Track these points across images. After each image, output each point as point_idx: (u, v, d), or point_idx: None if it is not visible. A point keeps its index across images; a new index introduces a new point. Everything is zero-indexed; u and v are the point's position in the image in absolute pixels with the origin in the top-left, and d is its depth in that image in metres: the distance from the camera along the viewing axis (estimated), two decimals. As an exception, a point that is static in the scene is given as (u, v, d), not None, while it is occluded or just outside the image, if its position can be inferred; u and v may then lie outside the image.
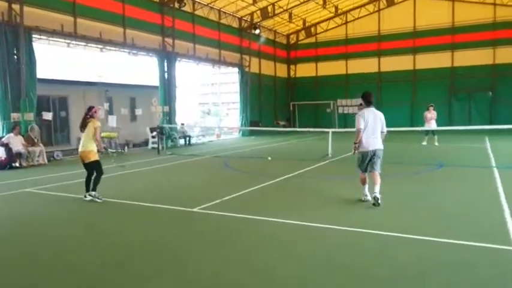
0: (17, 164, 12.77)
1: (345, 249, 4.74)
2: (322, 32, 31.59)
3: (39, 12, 14.77)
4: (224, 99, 61.98)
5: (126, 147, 17.96)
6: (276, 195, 7.96)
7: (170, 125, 19.82)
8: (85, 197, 7.61)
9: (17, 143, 12.96)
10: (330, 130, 14.26)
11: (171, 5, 20.32)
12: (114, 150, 11.58)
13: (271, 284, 3.84)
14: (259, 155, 15.05)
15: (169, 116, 20.60)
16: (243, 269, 4.25)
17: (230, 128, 30.44)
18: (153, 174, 11.38)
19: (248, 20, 26.49)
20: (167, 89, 20.50)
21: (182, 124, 21.44)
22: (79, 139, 17.46)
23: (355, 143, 6.71)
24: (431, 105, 17.30)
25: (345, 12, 29.98)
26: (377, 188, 6.57)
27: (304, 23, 30.22)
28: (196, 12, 22.73)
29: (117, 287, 3.89)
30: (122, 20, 18.15)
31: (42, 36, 15.12)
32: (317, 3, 26.69)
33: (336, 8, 28.59)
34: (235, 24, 26.22)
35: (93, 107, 7.75)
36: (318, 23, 31.01)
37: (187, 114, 35.64)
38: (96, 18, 16.93)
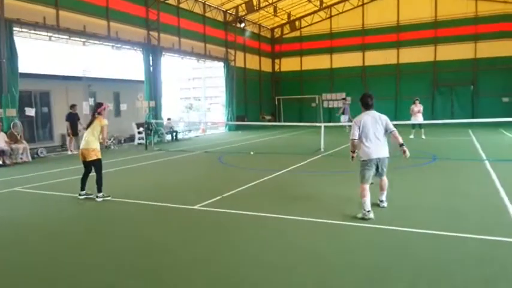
0: (0, 162, 12.28)
1: (362, 247, 4.67)
2: (307, 26, 31.54)
3: (20, 4, 14.19)
4: (206, 93, 61.47)
5: (114, 143, 17.60)
6: (278, 190, 7.83)
7: (156, 120, 19.46)
8: (79, 195, 7.36)
9: (0, 140, 12.45)
10: (322, 124, 14.22)
11: (156, -2, 19.90)
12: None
13: (292, 282, 3.73)
14: (250, 150, 14.91)
15: (155, 111, 20.23)
16: (258, 267, 4.12)
17: (214, 123, 30.17)
18: (146, 171, 11.11)
19: (233, 13, 26.19)
20: (153, 84, 20.12)
21: (169, 119, 21.10)
22: (62, 136, 17.44)
23: (351, 151, 6.15)
24: (417, 99, 17.49)
25: (330, 6, 29.98)
26: (384, 194, 6.15)
27: (289, 17, 30.09)
28: (181, 5, 22.32)
29: (132, 292, 3.71)
30: (105, 12, 17.66)
31: (23, 29, 14.54)
32: (302, -4, 26.62)
33: (321, 1, 28.53)
34: (220, 18, 25.90)
35: (102, 104, 7.42)
36: (303, 16, 30.93)
37: (170, 109, 35.22)
38: (80, 10, 16.40)
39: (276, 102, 32.56)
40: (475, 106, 26.69)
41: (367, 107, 5.96)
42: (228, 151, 14.93)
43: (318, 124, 14.58)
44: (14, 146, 12.87)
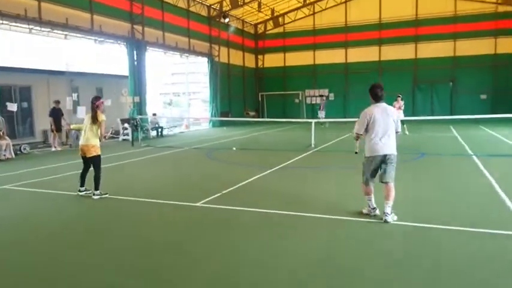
0: (-17, 159, 11.84)
1: (385, 240, 4.72)
2: (290, 22, 31.58)
3: (1, -5, 13.66)
4: (186, 89, 60.93)
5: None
6: (277, 187, 7.81)
7: (141, 116, 19.13)
8: (79, 191, 7.19)
9: (-18, 137, 12.01)
10: (313, 121, 14.30)
11: (140, -9, 19.50)
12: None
13: (331, 276, 3.74)
14: (238, 146, 14.85)
15: (140, 106, 19.88)
16: (258, 267, 4.11)
17: (196, 119, 29.92)
18: (138, 168, 10.92)
19: (217, 8, 25.96)
20: (137, 79, 19.75)
21: (154, 115, 20.80)
22: (44, 131, 16.93)
23: (356, 140, 5.74)
24: (399, 96, 17.82)
25: (313, 3, 30.11)
26: (389, 205, 5.28)
27: (272, 13, 30.06)
28: (165, -1, 22.00)
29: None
30: (89, 5, 17.19)
31: (4, 21, 14.01)
32: (286, -8, 26.64)
33: (304, -2, 28.66)
34: (204, 13, 25.63)
35: (99, 98, 7.26)
36: (286, 13, 30.96)
37: (150, 105, 34.61)
38: (62, 2, 15.90)
39: (260, 98, 32.55)
40: (453, 103, 27.37)
41: (376, 98, 5.43)
42: (217, 147, 14.82)
43: (309, 120, 14.62)
44: (-4, 142, 12.42)
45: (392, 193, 5.31)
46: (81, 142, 7.12)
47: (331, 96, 30.29)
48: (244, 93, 31.11)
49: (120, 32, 18.83)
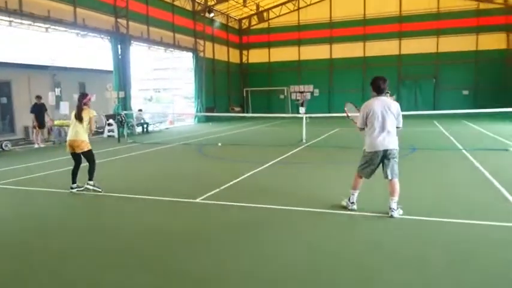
0: (-37, 157, 11.34)
1: (387, 235, 4.67)
2: (275, 17, 31.48)
3: (-21, -15, 13.10)
4: (168, 85, 60.29)
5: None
6: (274, 182, 7.71)
7: (126, 112, 18.72)
8: (71, 188, 6.93)
9: (-39, 133, 11.49)
10: (304, 116, 14.24)
11: (124, -17, 19.03)
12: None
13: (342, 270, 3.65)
14: (228, 141, 14.68)
15: (125, 102, 19.47)
16: (259, 266, 4.00)
17: (180, 115, 29.53)
18: (128, 164, 10.61)
19: (202, 2, 25.62)
20: (122, 74, 19.33)
21: (140, 110, 20.41)
22: (25, 128, 16.38)
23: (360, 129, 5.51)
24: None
25: (298, -2, 30.09)
26: (394, 201, 5.16)
27: (257, 8, 29.88)
28: (150, -7, 21.56)
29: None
30: (72, -3, 16.68)
31: (-17, 13, 13.46)
32: (271, -13, 26.48)
33: (289, -7, 28.58)
34: (188, 7, 25.25)
35: (87, 94, 7.19)
36: (271, 8, 30.84)
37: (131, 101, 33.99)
38: (44, -6, 15.38)
39: (244, 94, 32.37)
40: (436, 98, 27.82)
41: (378, 91, 5.28)
42: (206, 143, 14.61)
43: (298, 115, 14.55)
44: (-24, 139, 11.93)
45: (397, 189, 5.18)
46: (69, 138, 6.92)
47: (316, 92, 30.39)
48: (228, 89, 30.89)
49: (104, 25, 18.37)
